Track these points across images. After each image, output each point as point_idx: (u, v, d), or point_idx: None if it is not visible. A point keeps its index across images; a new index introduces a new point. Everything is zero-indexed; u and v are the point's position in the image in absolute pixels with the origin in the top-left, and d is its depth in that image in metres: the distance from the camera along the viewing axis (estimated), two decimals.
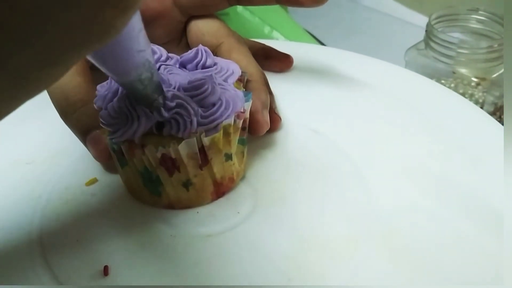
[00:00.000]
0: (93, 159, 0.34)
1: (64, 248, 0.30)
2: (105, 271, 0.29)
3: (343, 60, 0.45)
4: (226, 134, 0.30)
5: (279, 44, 0.46)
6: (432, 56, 0.52)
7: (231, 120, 0.30)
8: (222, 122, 0.30)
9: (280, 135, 0.38)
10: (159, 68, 0.32)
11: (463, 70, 0.54)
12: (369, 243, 0.30)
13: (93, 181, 0.35)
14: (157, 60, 0.33)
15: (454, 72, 0.53)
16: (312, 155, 0.36)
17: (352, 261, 0.29)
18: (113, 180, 0.35)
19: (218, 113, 0.30)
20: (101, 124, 0.31)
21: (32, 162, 0.37)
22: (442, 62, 0.52)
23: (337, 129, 0.38)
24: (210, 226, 0.31)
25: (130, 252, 0.30)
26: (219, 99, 0.30)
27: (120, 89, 0.31)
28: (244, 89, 0.34)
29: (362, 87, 0.42)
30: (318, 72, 0.44)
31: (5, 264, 0.30)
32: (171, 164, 0.30)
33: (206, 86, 0.30)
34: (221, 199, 0.33)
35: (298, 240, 0.30)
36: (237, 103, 0.30)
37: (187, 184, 0.31)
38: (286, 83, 0.43)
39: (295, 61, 0.44)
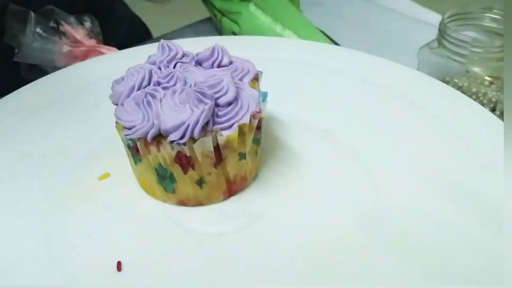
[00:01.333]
0: (106, 154, 0.34)
1: (76, 242, 0.31)
2: (118, 266, 0.29)
3: (356, 61, 0.45)
4: (241, 133, 0.30)
5: (291, 42, 0.46)
6: (445, 54, 0.52)
7: (246, 120, 0.30)
8: (237, 121, 0.30)
9: (293, 135, 0.38)
10: (175, 66, 0.32)
11: (476, 69, 0.53)
12: (381, 244, 0.30)
13: (106, 175, 0.35)
14: (173, 58, 0.33)
15: (467, 71, 0.52)
16: (324, 156, 0.36)
17: (364, 261, 0.29)
18: (126, 175, 0.35)
19: (234, 113, 0.29)
20: (116, 120, 0.31)
21: (45, 155, 0.37)
22: (455, 60, 0.51)
23: (349, 130, 0.38)
24: (222, 224, 0.32)
25: (142, 248, 0.30)
26: (235, 98, 0.30)
27: (137, 86, 0.31)
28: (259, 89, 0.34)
29: (375, 88, 0.42)
30: (330, 72, 0.44)
31: (16, 257, 0.30)
32: (186, 162, 0.30)
33: (222, 85, 0.30)
34: (233, 198, 0.33)
35: (310, 240, 0.30)
36: (252, 103, 0.30)
37: (200, 182, 0.31)
38: (299, 83, 0.42)
39: (308, 60, 0.43)
